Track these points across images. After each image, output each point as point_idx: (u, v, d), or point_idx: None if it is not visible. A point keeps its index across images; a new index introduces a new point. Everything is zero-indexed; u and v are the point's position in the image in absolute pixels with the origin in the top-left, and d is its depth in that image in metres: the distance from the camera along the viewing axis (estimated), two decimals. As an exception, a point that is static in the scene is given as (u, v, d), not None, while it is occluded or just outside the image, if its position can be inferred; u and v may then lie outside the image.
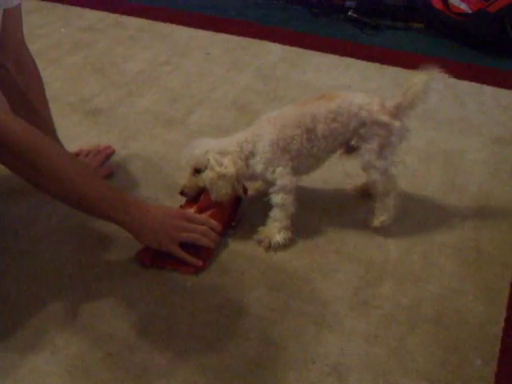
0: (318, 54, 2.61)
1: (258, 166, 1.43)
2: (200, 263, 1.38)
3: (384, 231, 1.52)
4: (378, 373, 1.17)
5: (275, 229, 1.46)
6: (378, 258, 1.45)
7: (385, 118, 1.42)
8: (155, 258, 1.37)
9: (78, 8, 3.05)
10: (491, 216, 1.61)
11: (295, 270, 1.41)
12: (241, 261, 1.43)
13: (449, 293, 1.36)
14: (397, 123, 1.43)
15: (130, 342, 1.21)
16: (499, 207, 1.64)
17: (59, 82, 2.26)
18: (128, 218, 1.30)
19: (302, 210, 1.54)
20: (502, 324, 1.28)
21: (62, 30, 2.74)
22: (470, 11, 2.67)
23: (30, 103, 1.52)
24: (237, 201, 1.52)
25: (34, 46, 2.39)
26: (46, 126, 1.56)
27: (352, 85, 2.31)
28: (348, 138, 1.46)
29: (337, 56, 2.58)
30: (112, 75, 2.35)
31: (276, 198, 1.45)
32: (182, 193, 1.48)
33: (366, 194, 1.64)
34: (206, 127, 1.98)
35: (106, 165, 1.74)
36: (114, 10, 3.02)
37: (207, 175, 1.41)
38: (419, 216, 1.60)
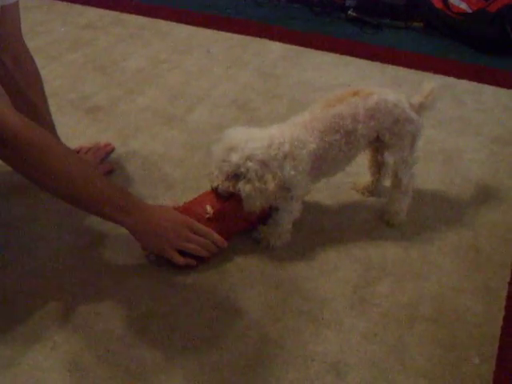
0: (318, 52, 2.61)
1: (289, 170, 1.34)
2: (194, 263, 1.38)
3: (383, 230, 1.53)
4: (376, 370, 1.17)
5: (277, 232, 1.45)
6: (376, 256, 1.46)
7: (414, 115, 1.43)
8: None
9: (78, 5, 3.05)
10: (490, 215, 1.61)
11: (294, 268, 1.41)
12: (240, 259, 1.43)
13: (447, 291, 1.37)
14: (421, 119, 1.46)
15: (129, 340, 1.22)
16: (497, 206, 1.65)
17: (59, 80, 2.26)
18: (131, 220, 1.28)
19: (301, 208, 1.55)
20: (501, 322, 1.29)
21: (62, 29, 2.74)
22: (470, 10, 2.67)
23: (29, 99, 1.52)
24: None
25: (33, 43, 2.39)
26: (45, 123, 1.56)
27: (352, 83, 2.31)
28: (380, 135, 1.45)
29: (337, 54, 2.58)
30: (112, 73, 2.35)
31: (286, 204, 1.42)
32: (215, 189, 1.39)
33: (369, 193, 1.65)
34: (206, 125, 1.99)
35: (105, 162, 1.74)
36: (115, 8, 3.02)
37: (245, 187, 1.31)
38: (418, 215, 1.60)
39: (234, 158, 1.30)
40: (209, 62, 2.48)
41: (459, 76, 2.40)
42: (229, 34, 2.76)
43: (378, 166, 1.61)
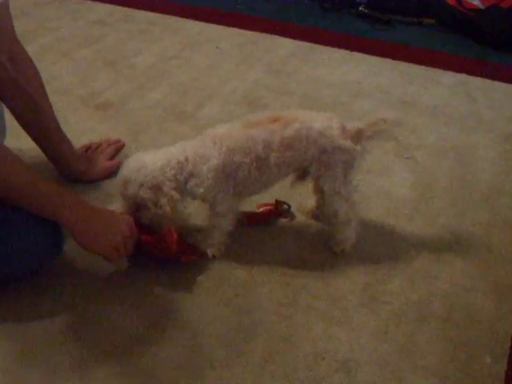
0: (328, 49, 2.60)
1: (197, 189, 1.32)
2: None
3: (394, 227, 1.52)
4: (387, 369, 1.17)
5: (207, 243, 1.41)
6: (387, 254, 1.45)
7: (347, 143, 1.33)
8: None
9: (89, 2, 3.05)
10: (502, 213, 1.60)
11: (304, 266, 1.41)
12: (250, 256, 1.43)
13: (459, 290, 1.36)
14: (358, 147, 1.35)
15: (138, 336, 1.22)
16: (510, 204, 1.63)
17: (69, 76, 2.26)
18: (72, 217, 1.21)
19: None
20: (513, 322, 1.28)
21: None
22: (483, 7, 2.66)
23: (31, 98, 1.50)
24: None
25: (44, 40, 2.41)
26: (47, 119, 1.55)
27: (362, 80, 2.30)
28: (305, 166, 1.37)
29: (348, 51, 2.57)
30: (122, 69, 2.35)
31: (213, 220, 1.39)
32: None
33: (313, 217, 1.56)
34: (216, 121, 1.95)
35: (115, 158, 1.74)
36: (125, 4, 3.01)
37: (144, 216, 1.32)
38: (429, 212, 1.59)
39: (130, 190, 1.30)
40: (219, 58, 2.48)
41: (471, 73, 2.39)
42: (239, 31, 2.76)
43: (320, 193, 1.46)
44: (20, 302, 1.27)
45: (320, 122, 1.34)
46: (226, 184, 1.33)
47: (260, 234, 1.50)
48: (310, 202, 1.54)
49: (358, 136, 1.35)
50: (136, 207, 1.32)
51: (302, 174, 1.44)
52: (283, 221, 1.55)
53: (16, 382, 1.12)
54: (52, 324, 1.23)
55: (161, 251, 1.34)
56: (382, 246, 1.47)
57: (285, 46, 2.61)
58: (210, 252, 1.41)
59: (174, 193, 1.30)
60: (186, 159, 1.31)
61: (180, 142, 1.38)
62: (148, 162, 1.31)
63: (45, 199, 1.19)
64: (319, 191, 1.44)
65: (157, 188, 1.28)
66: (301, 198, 1.56)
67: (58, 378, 1.12)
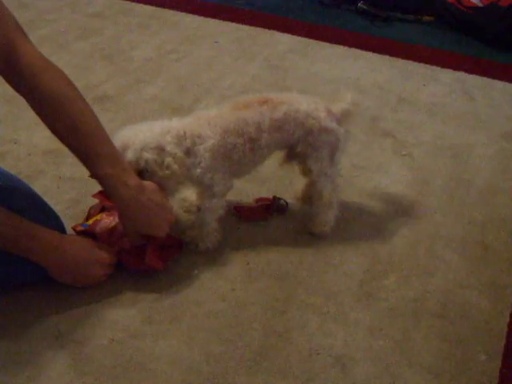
0: (327, 45, 2.59)
1: (195, 169, 1.31)
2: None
3: (390, 224, 1.52)
4: (382, 365, 1.17)
5: (203, 233, 1.40)
6: (383, 250, 1.45)
7: (332, 125, 1.38)
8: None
9: (87, -6, 3.04)
10: (498, 211, 1.60)
11: (300, 261, 1.40)
12: (246, 251, 1.43)
13: (454, 287, 1.36)
14: (342, 129, 1.40)
15: (134, 329, 1.22)
16: (506, 203, 1.64)
17: (67, 68, 2.20)
18: (43, 260, 1.21)
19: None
20: (507, 319, 1.28)
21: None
22: (482, 5, 2.65)
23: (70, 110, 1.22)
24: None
25: (41, 31, 2.40)
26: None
27: (360, 76, 2.30)
28: (292, 145, 1.40)
29: (346, 47, 2.57)
30: (120, 62, 2.34)
31: (208, 203, 1.38)
32: None
33: (299, 200, 1.58)
34: (213, 116, 1.97)
35: None
36: (123, -3, 3.01)
37: (151, 181, 1.27)
38: (425, 210, 1.59)
39: (130, 154, 1.26)
40: (217, 52, 2.47)
41: (469, 71, 2.39)
42: (238, 25, 2.75)
43: (308, 175, 1.49)
44: (14, 297, 1.27)
45: (306, 104, 1.38)
46: (223, 165, 1.34)
47: (256, 230, 1.49)
48: (300, 186, 1.56)
49: (343, 117, 1.42)
50: (140, 176, 1.26)
51: (290, 154, 1.47)
52: (279, 217, 1.54)
53: (9, 375, 1.12)
54: (46, 318, 1.23)
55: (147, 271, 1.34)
56: (378, 243, 1.47)
57: (283, 41, 2.61)
58: (208, 244, 1.41)
59: (178, 150, 1.28)
60: (185, 134, 1.30)
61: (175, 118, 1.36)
62: (145, 129, 1.29)
63: (18, 241, 1.18)
64: (307, 173, 1.46)
65: (160, 148, 1.26)
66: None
67: (51, 371, 1.12)
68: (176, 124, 1.33)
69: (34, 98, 1.16)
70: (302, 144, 1.38)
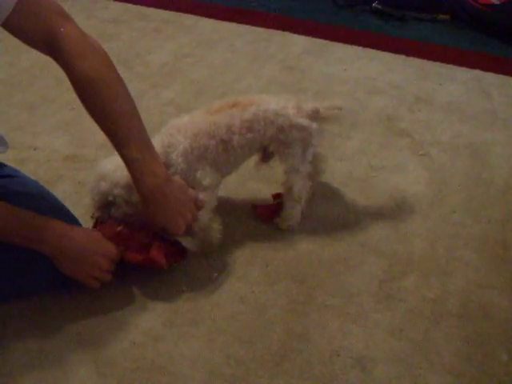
0: (342, 45, 2.59)
1: (175, 177, 1.30)
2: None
3: (409, 224, 1.52)
4: (402, 366, 1.16)
5: (206, 223, 1.40)
6: (402, 251, 1.44)
7: (303, 121, 1.39)
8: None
9: (103, 0, 3.06)
10: (518, 210, 1.59)
11: (319, 263, 1.41)
12: (265, 252, 1.43)
13: (474, 287, 1.35)
14: (314, 125, 1.41)
15: (155, 333, 1.23)
16: (526, 201, 1.63)
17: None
18: (47, 247, 1.21)
19: (326, 202, 1.56)
20: (529, 319, 1.27)
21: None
22: (498, 2, 2.64)
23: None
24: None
25: (59, 38, 2.41)
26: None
27: (376, 77, 2.29)
28: (265, 145, 1.43)
29: (361, 48, 2.57)
30: (136, 67, 2.36)
31: (201, 195, 1.36)
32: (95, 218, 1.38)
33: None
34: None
35: None
36: (138, 2, 3.02)
37: (115, 213, 1.33)
38: (444, 209, 1.58)
39: (103, 187, 1.32)
40: (233, 55, 2.48)
41: (486, 69, 2.37)
42: (253, 28, 2.76)
43: None
44: (37, 301, 1.28)
45: (275, 103, 1.41)
46: (199, 164, 1.37)
47: (273, 231, 1.50)
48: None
49: (314, 115, 1.42)
50: (107, 206, 1.34)
51: (265, 155, 1.51)
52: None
53: (33, 378, 1.13)
54: (68, 322, 1.24)
55: (151, 268, 1.33)
56: (397, 243, 1.46)
57: (298, 42, 2.61)
58: (217, 230, 1.41)
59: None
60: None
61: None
62: (123, 165, 1.26)
63: (25, 233, 1.19)
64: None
65: (129, 187, 1.29)
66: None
67: (74, 375, 1.13)
68: None
69: (74, 80, 1.20)
70: (274, 143, 1.41)
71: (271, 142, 1.41)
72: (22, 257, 1.21)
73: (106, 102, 1.19)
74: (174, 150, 1.34)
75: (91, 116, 1.21)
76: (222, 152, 1.38)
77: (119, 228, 1.34)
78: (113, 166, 1.33)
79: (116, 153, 1.21)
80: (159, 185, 1.21)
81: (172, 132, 1.38)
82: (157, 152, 1.24)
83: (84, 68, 1.18)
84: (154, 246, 1.31)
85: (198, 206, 1.31)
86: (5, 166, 1.39)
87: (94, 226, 1.38)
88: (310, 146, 1.43)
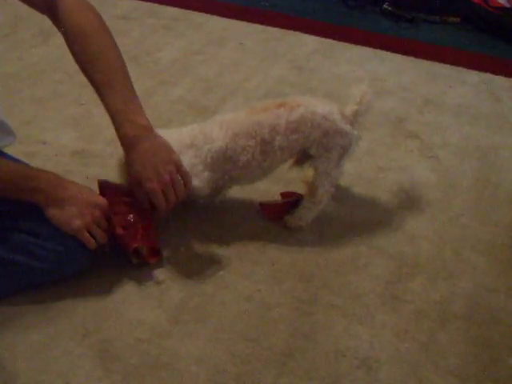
0: (352, 46, 2.59)
1: (196, 166, 1.36)
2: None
3: (416, 226, 1.52)
4: (407, 368, 1.16)
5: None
6: (409, 253, 1.44)
7: (347, 128, 1.39)
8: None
9: (113, -4, 3.07)
10: (526, 214, 1.59)
11: (326, 263, 1.40)
12: (271, 251, 1.43)
13: (481, 290, 1.35)
14: (356, 132, 1.41)
15: (160, 329, 1.23)
16: (534, 205, 1.62)
17: (94, 70, 2.27)
18: (41, 197, 1.20)
19: (334, 202, 1.55)
20: (536, 323, 1.27)
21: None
22: (509, 5, 2.63)
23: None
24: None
25: (69, 34, 2.42)
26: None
27: (386, 78, 2.29)
28: (306, 147, 1.41)
29: (371, 49, 2.56)
30: (146, 64, 2.36)
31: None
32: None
33: None
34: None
35: None
36: (149, -1, 3.03)
37: None
38: (452, 212, 1.58)
39: None
40: (243, 54, 2.48)
41: (496, 72, 2.37)
42: (263, 27, 2.75)
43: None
44: (43, 295, 1.29)
45: (322, 106, 1.39)
46: (226, 168, 1.39)
47: (280, 230, 1.50)
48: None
49: (355, 118, 1.43)
50: None
51: (301, 159, 1.48)
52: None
53: (38, 372, 1.13)
54: (74, 316, 1.24)
55: (123, 248, 1.32)
56: (404, 245, 1.46)
57: (308, 42, 2.61)
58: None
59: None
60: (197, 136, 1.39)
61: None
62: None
63: (20, 184, 1.19)
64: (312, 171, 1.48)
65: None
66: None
67: (79, 370, 1.14)
68: (190, 128, 1.44)
69: (68, 33, 1.25)
70: (316, 146, 1.39)
71: (313, 145, 1.39)
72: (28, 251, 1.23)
73: (95, 52, 1.23)
74: (208, 144, 1.36)
75: (79, 65, 1.26)
76: (259, 154, 1.37)
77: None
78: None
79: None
80: (139, 135, 1.23)
81: (214, 126, 1.39)
82: (141, 104, 1.27)
83: (79, 21, 1.25)
84: (141, 232, 1.30)
85: (185, 180, 1.28)
86: (17, 160, 1.39)
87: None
88: (346, 153, 1.42)
